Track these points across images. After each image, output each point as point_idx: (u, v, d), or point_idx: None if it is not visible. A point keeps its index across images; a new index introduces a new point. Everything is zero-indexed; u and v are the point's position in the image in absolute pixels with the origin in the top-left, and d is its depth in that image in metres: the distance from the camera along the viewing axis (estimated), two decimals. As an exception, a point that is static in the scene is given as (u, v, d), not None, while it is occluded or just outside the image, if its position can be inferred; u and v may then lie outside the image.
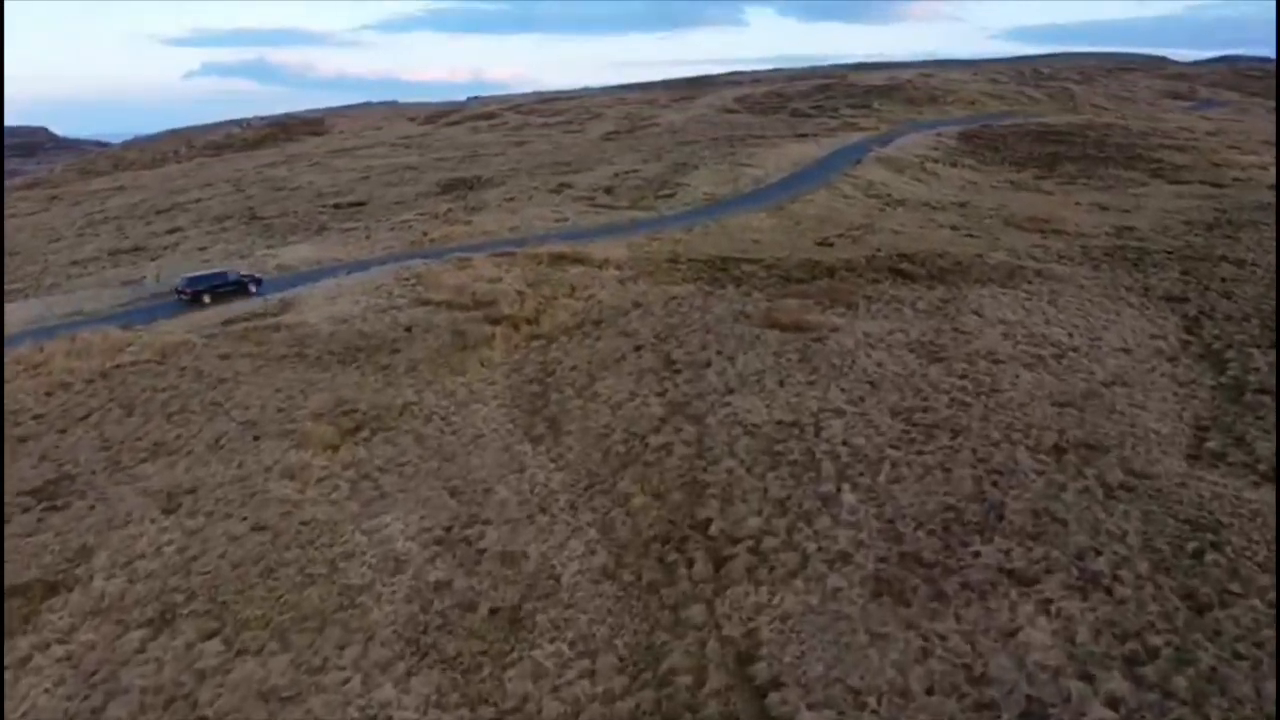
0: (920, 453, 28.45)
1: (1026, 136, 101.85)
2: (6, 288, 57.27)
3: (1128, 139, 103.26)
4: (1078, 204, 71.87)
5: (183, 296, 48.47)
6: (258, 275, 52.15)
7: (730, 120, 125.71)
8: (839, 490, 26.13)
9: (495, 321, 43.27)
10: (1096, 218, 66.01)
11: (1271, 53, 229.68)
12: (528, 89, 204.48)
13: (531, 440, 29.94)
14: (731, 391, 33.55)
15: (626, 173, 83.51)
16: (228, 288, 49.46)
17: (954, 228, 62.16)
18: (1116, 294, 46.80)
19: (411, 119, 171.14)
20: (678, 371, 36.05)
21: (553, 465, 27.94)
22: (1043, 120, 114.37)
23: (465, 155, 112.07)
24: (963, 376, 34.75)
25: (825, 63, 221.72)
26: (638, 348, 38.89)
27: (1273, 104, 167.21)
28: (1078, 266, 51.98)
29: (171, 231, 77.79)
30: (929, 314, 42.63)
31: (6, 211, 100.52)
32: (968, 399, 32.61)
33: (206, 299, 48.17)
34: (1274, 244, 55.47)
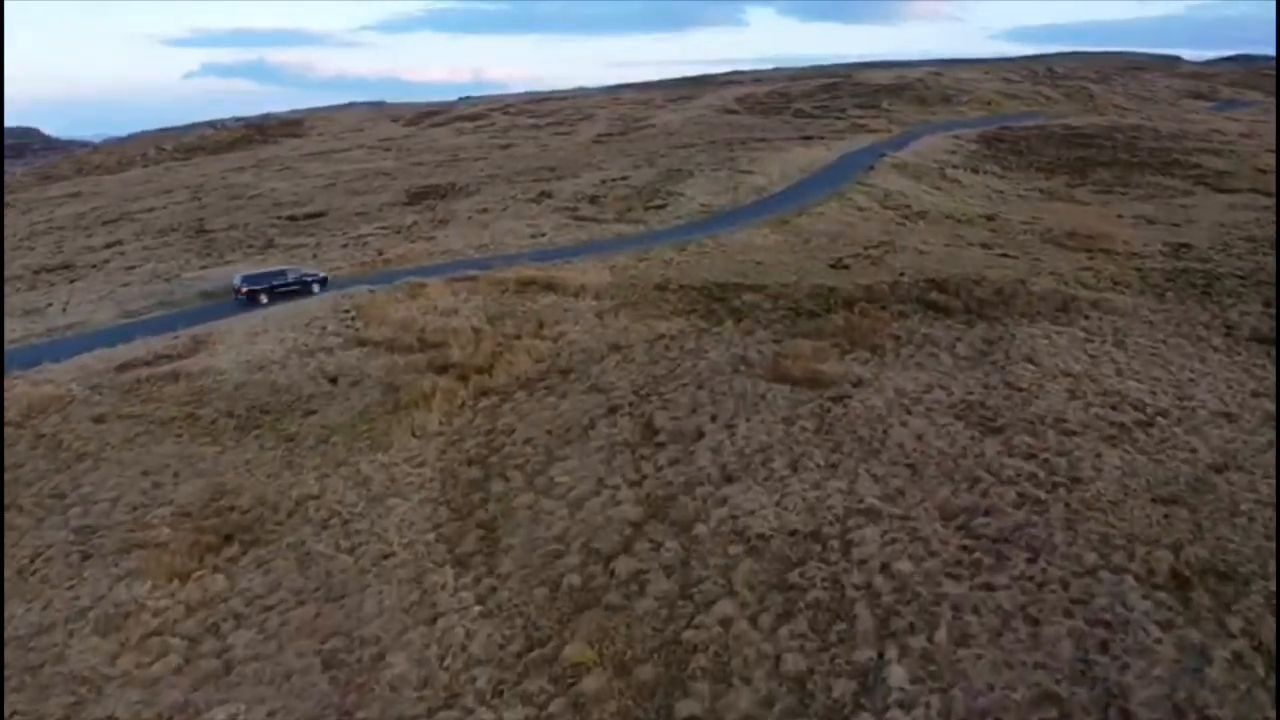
0: (990, 587, 20.52)
1: (1051, 139, 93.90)
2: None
3: (1159, 142, 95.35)
4: (1120, 217, 63.95)
5: (239, 295, 46.08)
6: (322, 274, 49.12)
7: (730, 121, 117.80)
8: (882, 657, 18.21)
9: (441, 369, 35.39)
10: (1145, 233, 58.08)
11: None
12: (527, 89, 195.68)
13: (456, 563, 22.00)
14: (730, 480, 25.61)
15: (615, 180, 75.57)
16: (288, 287, 46.61)
17: (986, 246, 54.21)
18: (1193, 333, 38.87)
19: (395, 120, 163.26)
20: (660, 446, 28.10)
21: (478, 610, 20.02)
22: (1066, 122, 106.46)
23: (445, 159, 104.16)
24: (1029, 456, 26.78)
25: (827, 62, 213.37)
26: (612, 409, 30.96)
27: None
28: (1139, 296, 44.02)
29: (110, 245, 69.77)
30: (973, 362, 34.67)
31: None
32: (1041, 493, 24.65)
33: (264, 299, 45.59)
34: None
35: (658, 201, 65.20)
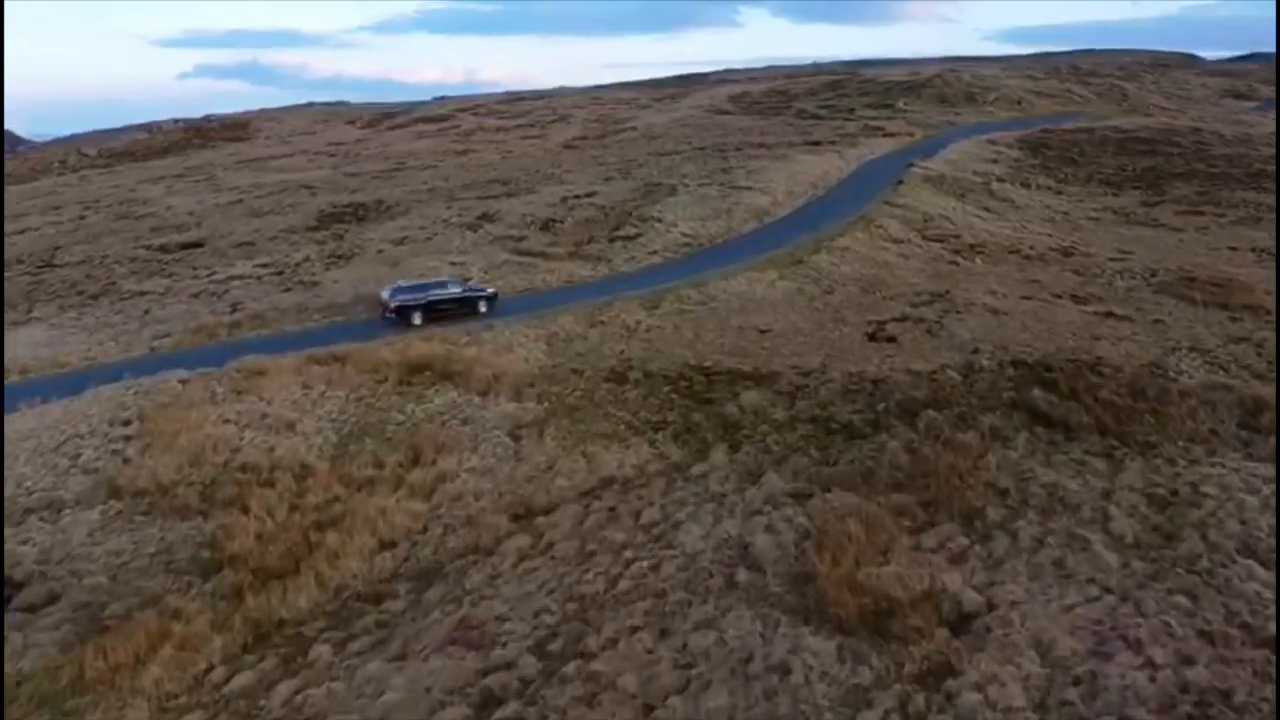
0: None
1: (1105, 145, 78.62)
2: None
3: (1231, 148, 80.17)
4: (1234, 249, 48.69)
5: (389, 315, 36.52)
6: (491, 290, 39.29)
7: (722, 123, 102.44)
8: None
9: (213, 569, 20.15)
10: (1284, 275, 42.75)
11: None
12: (518, 89, 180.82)
13: None
14: None
15: (579, 198, 60.19)
16: (448, 305, 36.96)
17: (1080, 300, 38.90)
18: None
19: (351, 122, 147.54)
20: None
21: None
22: (1113, 124, 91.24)
23: (388, 168, 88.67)
24: None
25: (825, 60, 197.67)
26: (484, 703, 15.57)
27: None
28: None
29: (-69, 284, 54.01)
30: (1153, 561, 19.34)
31: None
32: None
33: (417, 319, 36.04)
34: None
35: (628, 229, 49.80)
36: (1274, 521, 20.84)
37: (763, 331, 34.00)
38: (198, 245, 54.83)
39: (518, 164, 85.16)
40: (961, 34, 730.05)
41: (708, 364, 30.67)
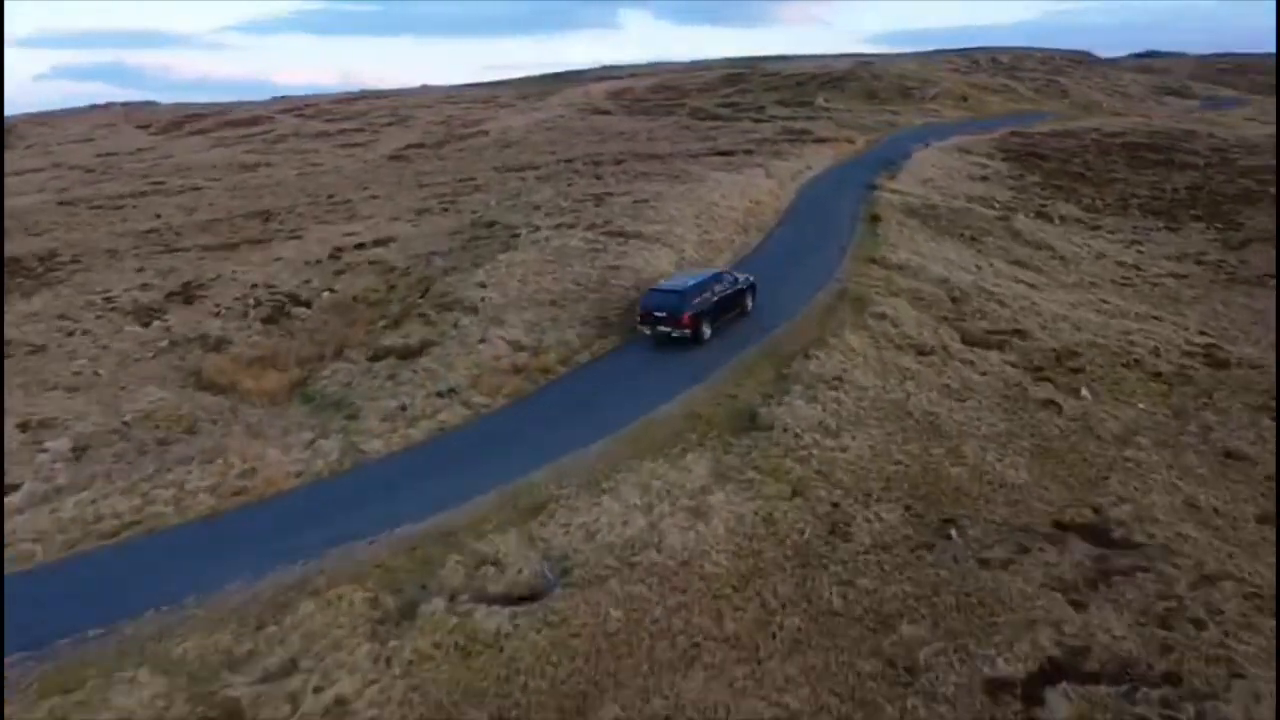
0: None
1: (1111, 155, 58.60)
2: None
3: (1255, 157, 61.05)
4: None
5: (643, 328, 24.74)
6: (751, 277, 26.96)
7: (599, 126, 79.36)
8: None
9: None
10: None
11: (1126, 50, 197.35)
12: (381, 89, 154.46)
13: None
14: None
15: (361, 247, 36.65)
16: (730, 309, 25.79)
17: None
18: None
19: (145, 126, 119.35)
20: None
21: None
22: (1095, 127, 71.68)
23: (130, 193, 63.01)
24: None
25: (715, 59, 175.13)
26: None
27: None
28: None
29: None
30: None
31: None
32: None
33: (706, 330, 24.65)
34: None
35: (412, 330, 26.27)
36: None
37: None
38: None
39: (311, 185, 60.47)
40: (839, 36, 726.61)
41: None
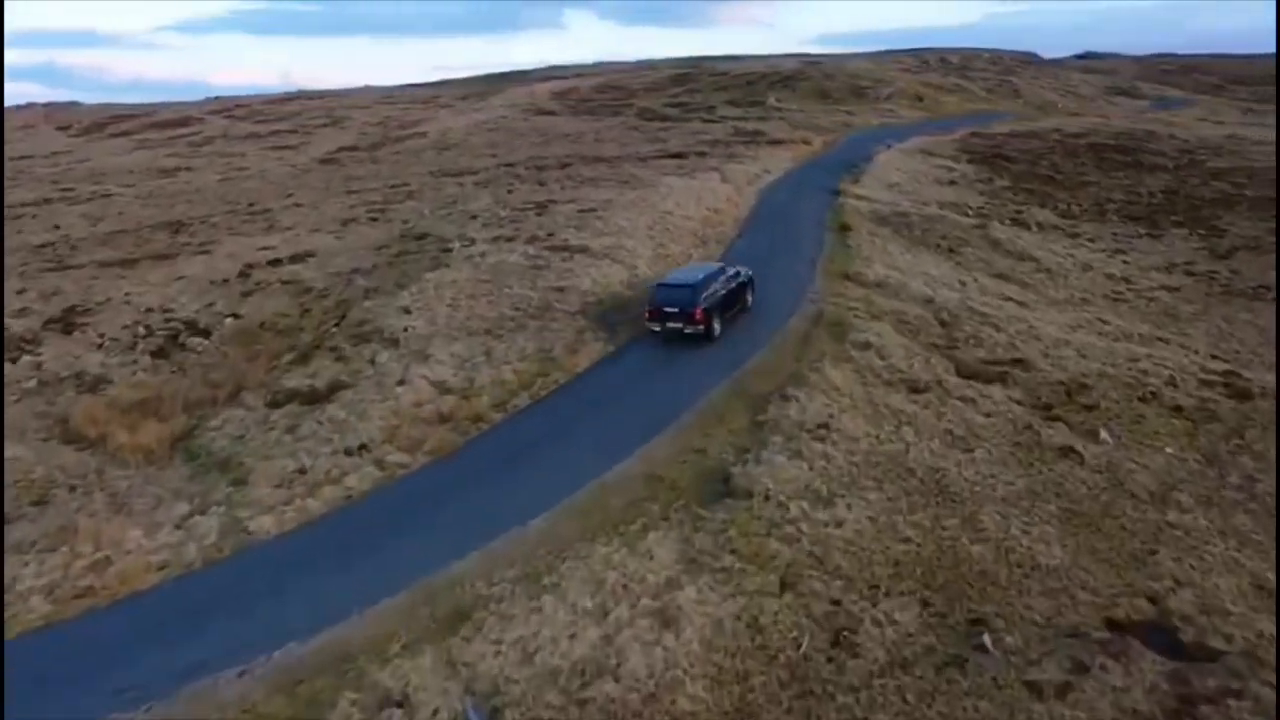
0: None
1: (1078, 157, 56.35)
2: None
3: (1221, 159, 59.28)
4: None
5: (652, 325, 23.11)
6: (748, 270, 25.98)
7: (543, 127, 75.61)
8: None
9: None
10: None
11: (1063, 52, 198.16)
12: (318, 89, 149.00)
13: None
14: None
15: (277, 264, 32.71)
16: (734, 304, 24.64)
17: None
18: None
19: (65, 127, 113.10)
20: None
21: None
22: (1055, 127, 69.59)
23: (30, 202, 57.86)
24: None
25: (659, 60, 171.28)
26: None
27: (1231, 101, 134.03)
28: None
29: None
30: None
31: None
32: None
33: (716, 325, 23.28)
34: None
35: (323, 366, 22.42)
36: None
37: None
38: None
39: (233, 191, 56.02)
40: (782, 38, 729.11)
41: None
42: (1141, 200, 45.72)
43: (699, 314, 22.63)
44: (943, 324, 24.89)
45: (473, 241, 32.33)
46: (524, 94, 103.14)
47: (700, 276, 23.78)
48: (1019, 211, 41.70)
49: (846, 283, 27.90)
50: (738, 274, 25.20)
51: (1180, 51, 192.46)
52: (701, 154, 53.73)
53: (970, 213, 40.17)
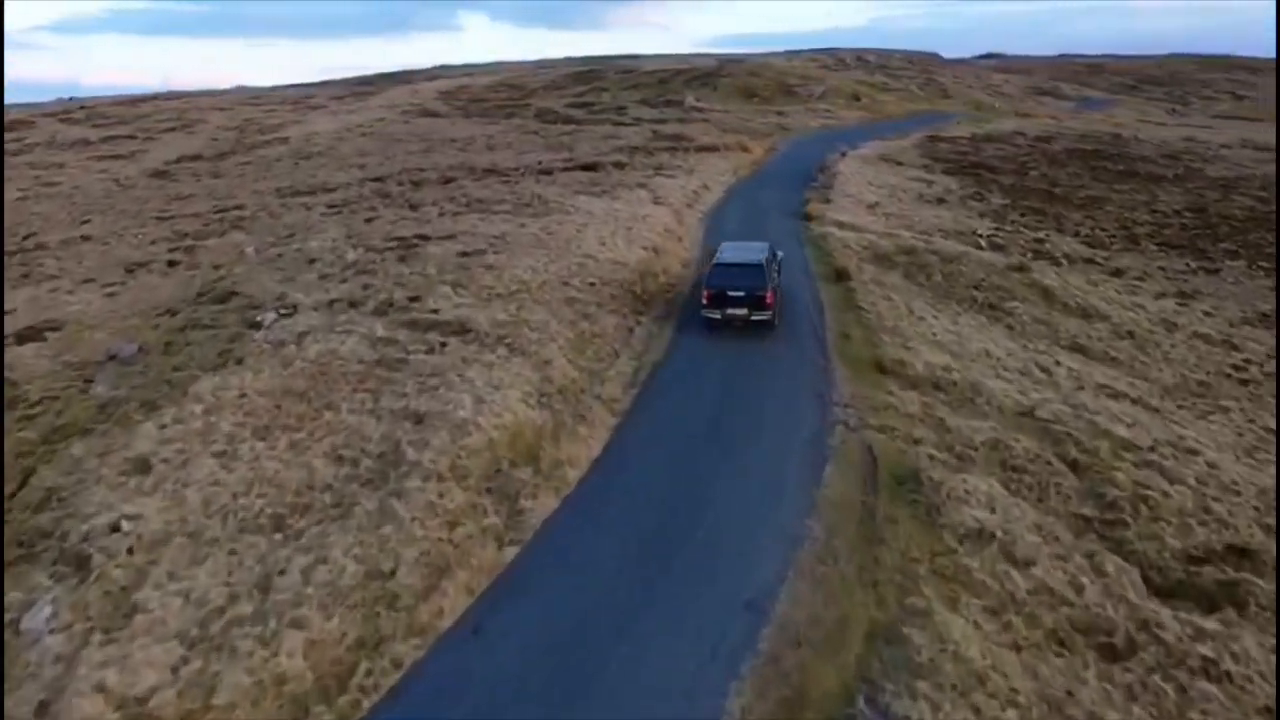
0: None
1: (1067, 168, 47.65)
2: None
3: (1219, 167, 51.41)
4: None
5: (711, 313, 20.46)
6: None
7: (426, 131, 63.80)
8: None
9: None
10: None
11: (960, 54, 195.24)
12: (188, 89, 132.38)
13: None
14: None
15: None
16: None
17: None
18: None
19: None
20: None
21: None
22: (1018, 130, 61.21)
23: None
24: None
25: (556, 59, 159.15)
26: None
27: (1148, 100, 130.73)
28: None
29: None
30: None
31: None
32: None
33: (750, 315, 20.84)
34: None
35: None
36: None
37: None
38: None
39: (17, 217, 43.10)
40: (676, 39, 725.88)
41: None
42: (1171, 223, 36.76)
43: (770, 297, 20.02)
44: (1073, 466, 14.70)
45: (294, 310, 21.06)
46: (407, 94, 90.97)
47: (763, 255, 21.09)
48: (1039, 241, 32.15)
49: (886, 380, 17.60)
50: (776, 254, 22.40)
51: (1049, 54, 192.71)
52: (620, 164, 43.18)
53: (983, 243, 30.43)
